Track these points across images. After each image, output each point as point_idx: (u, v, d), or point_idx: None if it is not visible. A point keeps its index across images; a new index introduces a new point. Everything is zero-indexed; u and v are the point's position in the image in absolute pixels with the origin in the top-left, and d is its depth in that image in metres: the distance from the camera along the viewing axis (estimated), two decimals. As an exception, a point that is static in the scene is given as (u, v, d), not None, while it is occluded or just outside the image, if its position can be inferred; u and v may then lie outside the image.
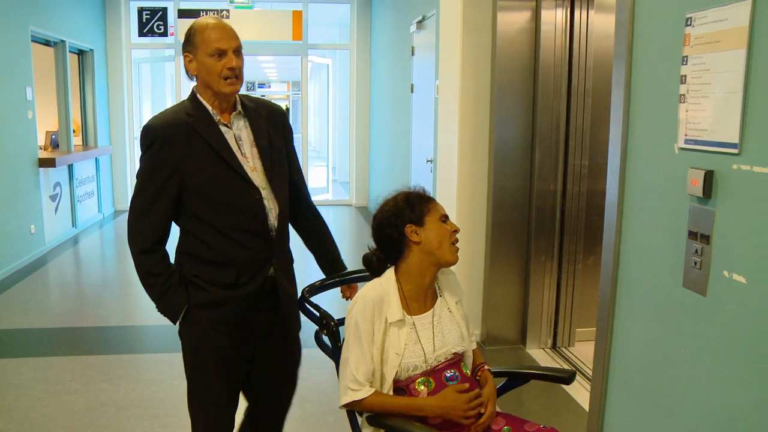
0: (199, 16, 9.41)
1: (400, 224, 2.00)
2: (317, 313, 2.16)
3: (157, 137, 2.07)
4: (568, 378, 2.13)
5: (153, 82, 12.22)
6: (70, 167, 7.86)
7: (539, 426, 2.00)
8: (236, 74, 2.10)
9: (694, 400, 2.13)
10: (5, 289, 5.65)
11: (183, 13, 9.56)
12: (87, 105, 8.84)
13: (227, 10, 9.59)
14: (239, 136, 2.18)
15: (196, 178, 2.08)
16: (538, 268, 4.26)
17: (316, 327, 2.19)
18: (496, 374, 2.14)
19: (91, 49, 8.76)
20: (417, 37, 6.52)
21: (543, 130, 4.09)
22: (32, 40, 6.83)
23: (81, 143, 8.85)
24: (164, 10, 9.60)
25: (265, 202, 2.14)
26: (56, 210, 7.48)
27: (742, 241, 1.88)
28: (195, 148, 2.08)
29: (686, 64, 2.09)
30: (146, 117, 11.05)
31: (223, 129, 2.15)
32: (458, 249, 2.04)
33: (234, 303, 2.13)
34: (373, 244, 2.10)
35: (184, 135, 2.08)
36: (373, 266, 2.08)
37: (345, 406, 1.95)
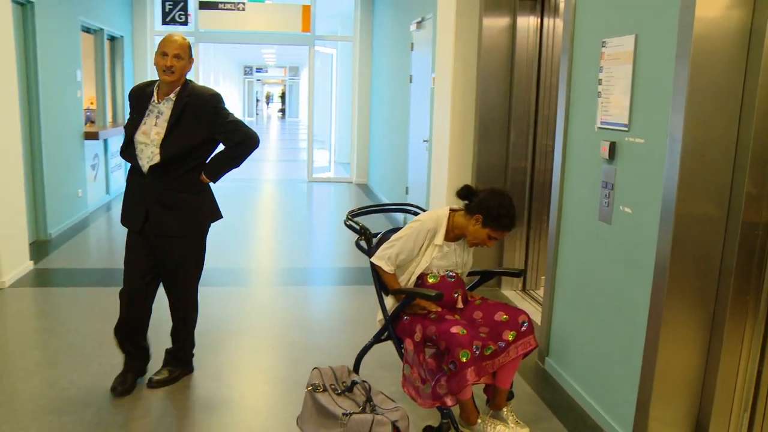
0: (218, 8, 10.48)
1: (480, 210, 2.96)
2: (358, 227, 3.23)
3: (130, 95, 3.38)
4: (519, 272, 3.24)
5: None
6: (105, 141, 8.85)
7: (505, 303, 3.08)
8: (172, 70, 3.16)
9: (607, 298, 3.21)
10: (66, 240, 6.69)
11: (203, 5, 10.56)
12: (117, 86, 9.80)
13: (243, 3, 10.57)
14: (161, 111, 3.24)
15: (127, 126, 3.34)
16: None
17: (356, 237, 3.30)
18: (471, 274, 3.24)
19: (121, 36, 9.72)
20: (416, 34, 7.55)
21: (517, 115, 5.15)
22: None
23: (111, 120, 9.83)
24: (185, 1, 10.56)
25: (139, 152, 3.24)
26: (95, 178, 8.48)
27: (629, 185, 2.96)
28: (134, 108, 3.32)
29: (602, 72, 3.16)
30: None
31: (153, 103, 3.26)
32: (476, 247, 3.11)
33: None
34: (481, 188, 3.09)
35: (135, 98, 3.33)
36: (465, 193, 3.07)
37: (375, 264, 3.06)
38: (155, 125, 3.23)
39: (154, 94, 3.27)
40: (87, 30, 8.45)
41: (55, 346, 4.01)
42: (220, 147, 3.42)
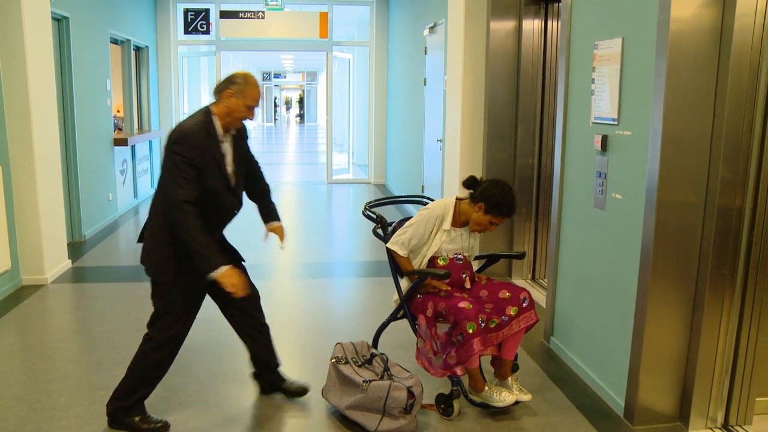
0: (238, 17, 10.87)
1: (483, 199, 3.25)
2: (375, 216, 3.56)
3: (189, 140, 2.86)
4: (521, 255, 3.55)
5: (190, 75, 13.59)
6: (133, 147, 9.26)
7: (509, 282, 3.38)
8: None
9: (603, 279, 3.50)
10: (99, 241, 7.10)
11: (224, 14, 10.96)
12: (142, 94, 10.22)
13: (262, 11, 10.95)
14: (227, 148, 3.04)
15: (205, 177, 2.91)
16: (520, 222, 5.62)
17: (373, 225, 3.62)
18: (480, 257, 3.55)
19: (146, 46, 10.14)
20: (429, 39, 7.87)
21: (524, 114, 5.44)
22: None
23: (137, 127, 10.25)
24: (207, 11, 10.98)
25: (224, 198, 3.04)
26: (123, 183, 8.89)
27: (619, 174, 3.26)
28: (207, 156, 2.91)
29: (594, 71, 3.45)
30: (188, 105, 12.47)
31: (222, 142, 3.00)
32: (478, 233, 3.39)
33: None
34: (485, 179, 3.37)
35: (205, 140, 2.91)
36: (470, 183, 3.35)
37: (390, 250, 3.36)
38: (227, 165, 3.05)
39: (219, 130, 2.98)
40: (115, 41, 8.87)
41: (97, 333, 4.37)
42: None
